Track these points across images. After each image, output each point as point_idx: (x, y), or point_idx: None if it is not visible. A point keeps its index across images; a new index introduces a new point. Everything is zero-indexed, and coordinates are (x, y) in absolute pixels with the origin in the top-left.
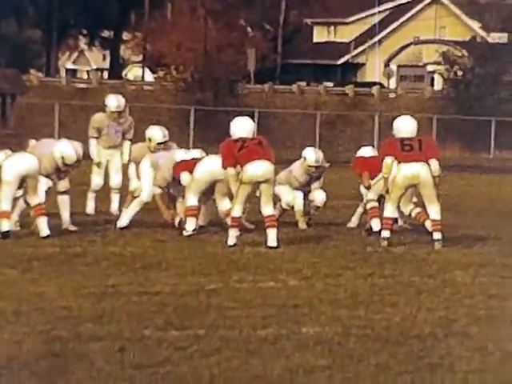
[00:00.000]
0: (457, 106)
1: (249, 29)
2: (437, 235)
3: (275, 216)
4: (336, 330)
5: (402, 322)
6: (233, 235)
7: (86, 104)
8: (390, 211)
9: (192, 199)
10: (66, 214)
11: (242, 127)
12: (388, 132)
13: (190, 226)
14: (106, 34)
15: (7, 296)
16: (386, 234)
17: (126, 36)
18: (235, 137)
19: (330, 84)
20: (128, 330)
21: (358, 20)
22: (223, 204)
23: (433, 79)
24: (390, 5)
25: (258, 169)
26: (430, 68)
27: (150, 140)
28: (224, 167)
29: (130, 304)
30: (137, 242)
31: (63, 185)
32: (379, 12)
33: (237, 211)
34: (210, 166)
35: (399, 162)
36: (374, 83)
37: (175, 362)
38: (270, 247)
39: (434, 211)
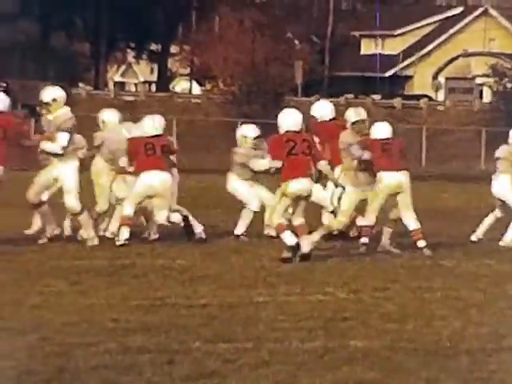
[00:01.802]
0: (506, 118)
1: (296, 41)
2: (421, 243)
3: (304, 223)
4: (384, 344)
5: (451, 335)
6: (287, 238)
7: (136, 117)
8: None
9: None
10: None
11: (290, 120)
12: (436, 144)
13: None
14: (153, 47)
15: (56, 307)
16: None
17: (173, 49)
18: (282, 130)
19: (378, 96)
20: (176, 343)
21: (405, 32)
22: (160, 214)
23: (481, 92)
24: (440, 17)
25: (302, 186)
26: (478, 80)
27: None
28: (273, 159)
29: (178, 316)
30: (185, 255)
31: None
32: (428, 24)
33: (277, 218)
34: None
35: (379, 167)
36: (423, 96)
37: (223, 374)
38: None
39: (413, 220)
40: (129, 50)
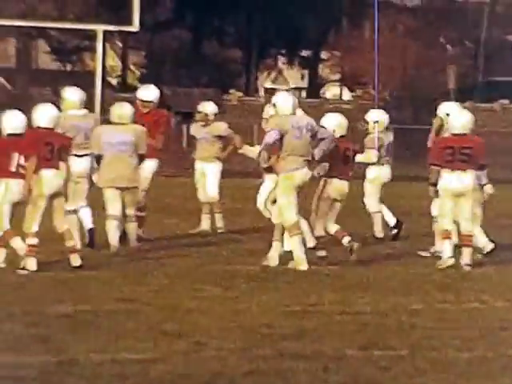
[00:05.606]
0: None
1: (448, 46)
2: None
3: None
4: None
5: None
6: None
7: None
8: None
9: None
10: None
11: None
12: None
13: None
14: (304, 53)
15: (210, 312)
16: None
17: (324, 55)
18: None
19: None
20: (331, 349)
21: None
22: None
23: None
24: None
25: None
26: None
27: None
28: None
29: (331, 323)
30: (337, 261)
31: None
32: None
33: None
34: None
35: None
36: None
37: (380, 381)
38: None
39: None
40: (280, 57)
